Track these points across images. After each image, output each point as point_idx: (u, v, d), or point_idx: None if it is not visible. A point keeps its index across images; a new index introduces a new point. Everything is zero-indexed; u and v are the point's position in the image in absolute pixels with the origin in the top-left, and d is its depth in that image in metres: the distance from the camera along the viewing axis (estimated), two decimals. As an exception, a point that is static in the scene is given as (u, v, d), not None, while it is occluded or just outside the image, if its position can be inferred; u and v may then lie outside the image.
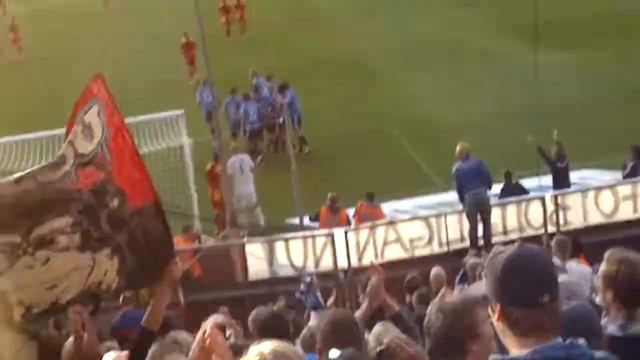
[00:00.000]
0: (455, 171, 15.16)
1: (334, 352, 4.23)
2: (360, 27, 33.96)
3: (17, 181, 4.58)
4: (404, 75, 27.37)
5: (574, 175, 17.45)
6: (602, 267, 4.02)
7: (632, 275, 3.94)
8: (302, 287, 12.01)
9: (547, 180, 17.27)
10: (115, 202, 4.88)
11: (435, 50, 29.46)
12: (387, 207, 17.06)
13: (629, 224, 14.82)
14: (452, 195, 16.60)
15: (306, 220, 16.81)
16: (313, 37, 33.64)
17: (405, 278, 10.68)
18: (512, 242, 3.01)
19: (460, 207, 15.36)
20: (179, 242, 14.49)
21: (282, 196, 18.31)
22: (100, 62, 32.69)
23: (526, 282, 2.67)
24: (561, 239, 10.06)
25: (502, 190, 16.36)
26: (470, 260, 11.14)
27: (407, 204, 18.31)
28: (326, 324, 4.60)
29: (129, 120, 15.73)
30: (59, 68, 32.71)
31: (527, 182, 17.08)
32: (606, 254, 4.14)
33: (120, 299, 10.68)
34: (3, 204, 4.56)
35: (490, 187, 15.24)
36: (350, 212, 16.52)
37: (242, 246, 15.03)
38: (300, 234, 15.44)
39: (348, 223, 15.90)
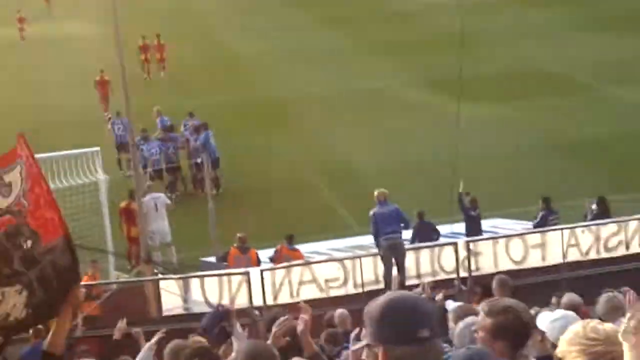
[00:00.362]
0: (372, 215, 15.56)
1: None
2: (282, 74, 34.53)
3: None
4: (323, 122, 27.94)
5: (486, 223, 18.09)
6: (488, 320, 4.04)
7: (520, 320, 4.09)
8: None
9: (460, 227, 17.85)
10: (28, 244, 5.09)
11: (356, 98, 30.20)
12: (303, 249, 17.31)
13: (537, 270, 15.43)
14: (367, 239, 17.02)
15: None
16: (234, 80, 34.05)
17: (324, 317, 10.87)
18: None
19: (375, 250, 15.76)
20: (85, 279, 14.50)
21: (197, 235, 18.44)
22: (18, 95, 32.47)
23: (403, 318, 2.79)
24: (502, 277, 10.22)
25: (415, 228, 16.83)
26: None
27: (322, 246, 18.61)
28: (246, 355, 4.62)
29: (45, 155, 15.87)
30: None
31: (440, 229, 17.59)
32: (485, 308, 4.13)
33: (30, 331, 10.57)
34: None
35: (407, 228, 15.79)
36: (265, 252, 16.74)
37: (157, 282, 15.05)
38: (216, 272, 15.56)
39: (258, 263, 16.10)
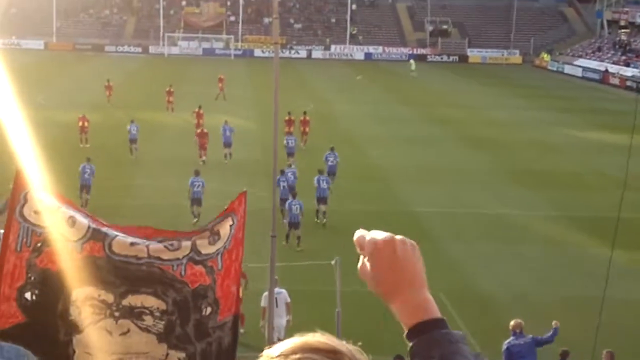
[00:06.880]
0: (507, 346, 15.42)
1: None
2: (422, 191, 34.87)
3: (133, 244, 5.07)
4: (460, 245, 27.95)
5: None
6: None
7: None
8: None
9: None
10: (207, 311, 5.31)
11: (493, 225, 30.20)
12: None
13: None
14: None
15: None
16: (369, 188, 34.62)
17: None
18: None
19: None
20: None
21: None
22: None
23: None
24: None
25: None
26: None
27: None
28: None
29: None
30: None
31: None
32: None
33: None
34: (113, 260, 5.04)
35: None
36: None
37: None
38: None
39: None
